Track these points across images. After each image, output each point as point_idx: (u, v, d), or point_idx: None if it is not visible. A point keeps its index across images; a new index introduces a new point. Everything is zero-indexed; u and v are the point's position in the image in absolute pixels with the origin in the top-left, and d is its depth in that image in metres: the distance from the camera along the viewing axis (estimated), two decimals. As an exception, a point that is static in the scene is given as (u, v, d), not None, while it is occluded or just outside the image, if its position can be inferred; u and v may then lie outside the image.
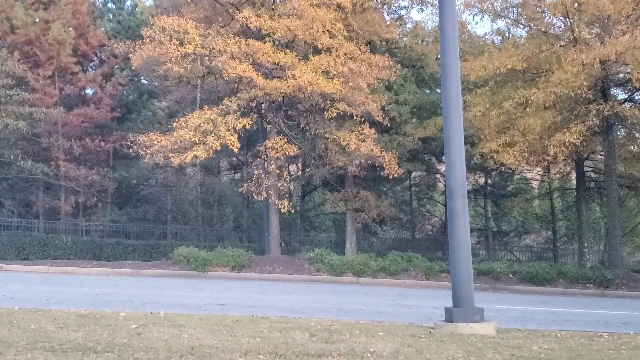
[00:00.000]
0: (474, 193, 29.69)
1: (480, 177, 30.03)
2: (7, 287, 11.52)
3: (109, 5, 28.59)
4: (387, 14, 23.62)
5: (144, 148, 17.99)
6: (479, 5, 19.64)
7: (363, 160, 19.47)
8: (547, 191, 29.87)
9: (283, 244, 22.26)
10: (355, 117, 18.61)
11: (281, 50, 18.17)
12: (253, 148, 24.94)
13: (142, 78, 26.69)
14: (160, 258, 19.94)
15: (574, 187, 26.29)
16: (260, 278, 16.68)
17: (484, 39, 23.54)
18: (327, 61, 17.71)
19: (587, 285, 17.75)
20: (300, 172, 29.73)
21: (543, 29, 19.13)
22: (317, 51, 18.82)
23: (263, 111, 20.10)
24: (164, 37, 18.01)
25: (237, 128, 17.73)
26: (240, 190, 20.06)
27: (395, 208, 26.25)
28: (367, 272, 17.47)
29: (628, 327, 9.49)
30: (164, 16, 18.71)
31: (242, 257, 17.62)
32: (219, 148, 17.73)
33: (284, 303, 10.84)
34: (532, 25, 19.57)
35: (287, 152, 18.97)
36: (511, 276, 17.95)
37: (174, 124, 18.05)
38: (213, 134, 17.39)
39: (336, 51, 18.10)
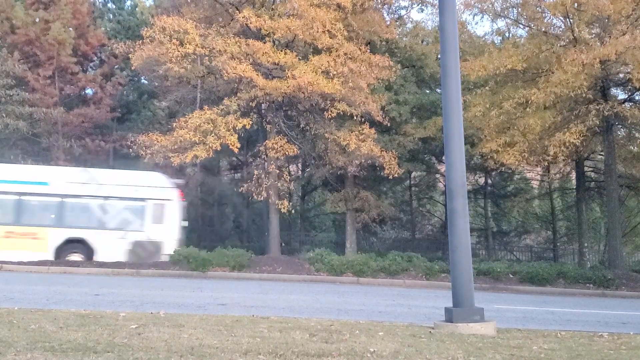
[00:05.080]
0: (474, 193, 29.67)
1: (480, 177, 30.02)
2: (7, 287, 11.51)
3: (109, 5, 28.64)
4: (387, 14, 23.66)
5: (144, 148, 18.01)
6: (479, 5, 19.61)
7: (363, 160, 19.49)
8: (547, 191, 29.85)
9: (283, 244, 22.27)
10: (355, 117, 18.61)
11: (281, 50, 18.17)
12: (253, 148, 24.95)
13: (142, 78, 26.71)
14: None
15: (574, 187, 26.28)
16: (260, 278, 16.67)
17: (484, 39, 23.52)
18: (327, 61, 17.72)
19: (587, 285, 17.71)
20: (300, 172, 29.73)
21: (543, 29, 19.10)
22: (317, 51, 18.83)
23: (263, 111, 20.10)
24: (164, 37, 18.03)
25: (237, 128, 17.75)
26: (240, 190, 20.06)
27: (395, 208, 26.26)
28: (367, 272, 17.45)
29: (628, 327, 9.48)
30: (164, 16, 18.72)
31: (242, 257, 17.60)
32: (219, 148, 17.74)
33: (284, 303, 10.83)
34: (532, 25, 19.56)
35: (287, 152, 18.97)
36: (511, 276, 17.92)
37: (174, 124, 18.07)
38: (213, 134, 17.41)
39: (336, 51, 18.10)
